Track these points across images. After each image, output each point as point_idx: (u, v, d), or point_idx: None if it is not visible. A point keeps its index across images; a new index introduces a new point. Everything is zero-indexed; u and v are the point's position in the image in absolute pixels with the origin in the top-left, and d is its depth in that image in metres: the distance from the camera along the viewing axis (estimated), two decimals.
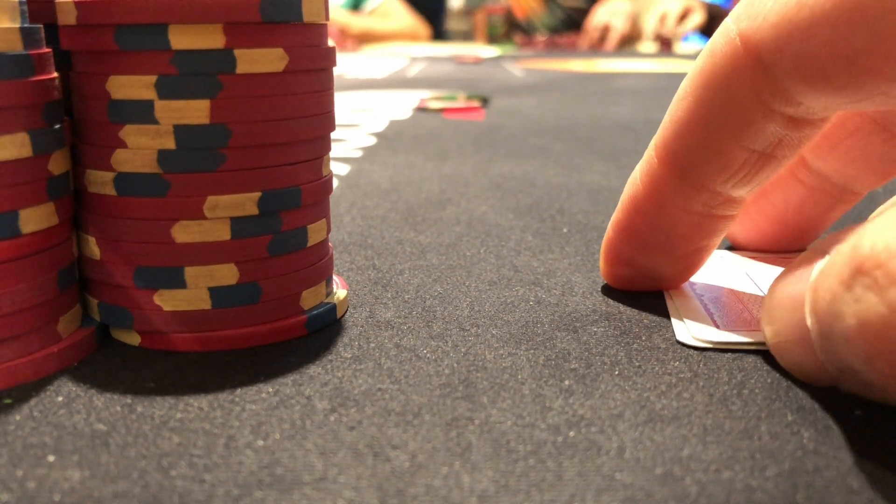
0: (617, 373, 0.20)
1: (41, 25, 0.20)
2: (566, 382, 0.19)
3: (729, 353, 0.21)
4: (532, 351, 0.21)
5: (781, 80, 0.19)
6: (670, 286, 0.25)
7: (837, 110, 0.20)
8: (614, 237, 0.24)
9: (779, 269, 0.27)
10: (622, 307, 0.24)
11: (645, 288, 0.25)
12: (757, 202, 0.28)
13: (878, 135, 0.25)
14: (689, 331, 0.22)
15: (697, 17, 1.95)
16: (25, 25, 0.19)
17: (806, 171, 0.27)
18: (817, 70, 0.18)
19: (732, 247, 0.29)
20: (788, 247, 0.29)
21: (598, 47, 2.00)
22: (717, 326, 0.22)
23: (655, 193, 0.22)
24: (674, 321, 0.22)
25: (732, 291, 0.25)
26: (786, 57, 0.19)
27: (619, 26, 2.00)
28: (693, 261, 0.24)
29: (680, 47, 1.96)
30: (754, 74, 0.19)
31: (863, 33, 0.17)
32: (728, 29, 0.20)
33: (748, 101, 0.20)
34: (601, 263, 0.25)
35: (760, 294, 0.24)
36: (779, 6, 0.19)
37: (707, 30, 1.97)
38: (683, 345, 0.21)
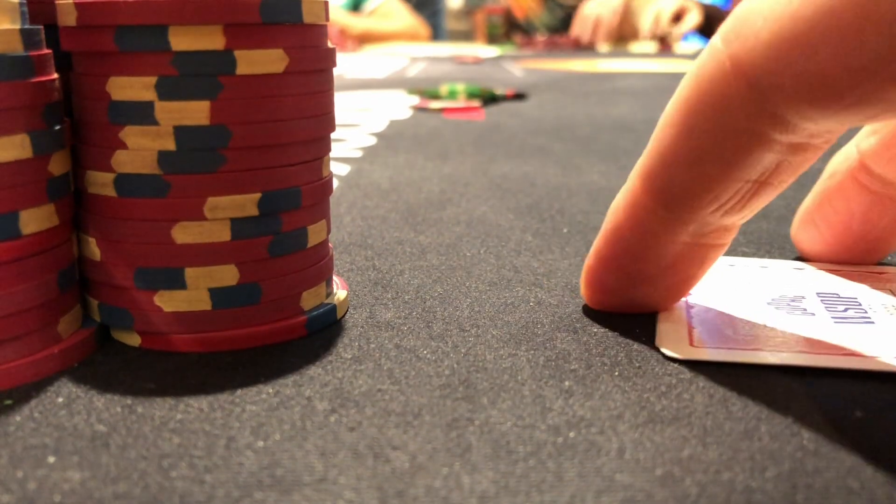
0: (617, 373, 0.20)
1: (41, 26, 0.20)
2: (566, 383, 0.19)
3: None
4: (532, 352, 0.21)
5: (781, 106, 0.17)
6: (656, 311, 0.23)
7: (846, 128, 0.18)
8: (596, 266, 0.23)
9: (785, 279, 0.26)
10: None
11: (630, 312, 0.23)
12: (820, 208, 0.26)
13: None
14: (660, 342, 0.21)
15: (694, 18, 1.95)
16: (26, 27, 0.19)
17: (868, 175, 0.24)
18: (826, 89, 0.16)
19: (802, 258, 0.28)
20: (861, 259, 0.26)
21: (587, 41, 2.01)
22: (692, 341, 0.21)
23: (639, 224, 0.21)
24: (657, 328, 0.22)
25: (725, 303, 0.24)
26: (786, 80, 0.17)
27: (607, 19, 2.00)
28: (679, 289, 0.22)
29: (679, 47, 1.97)
30: (747, 101, 0.17)
31: (879, 39, 0.15)
32: (716, 50, 0.18)
33: (742, 129, 0.18)
34: (582, 289, 0.23)
35: (759, 312, 0.23)
36: (771, 22, 0.17)
37: (705, 30, 1.97)
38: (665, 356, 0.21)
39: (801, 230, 0.28)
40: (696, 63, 0.19)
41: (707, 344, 0.21)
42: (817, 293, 0.25)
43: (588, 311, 0.24)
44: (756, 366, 0.20)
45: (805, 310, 0.23)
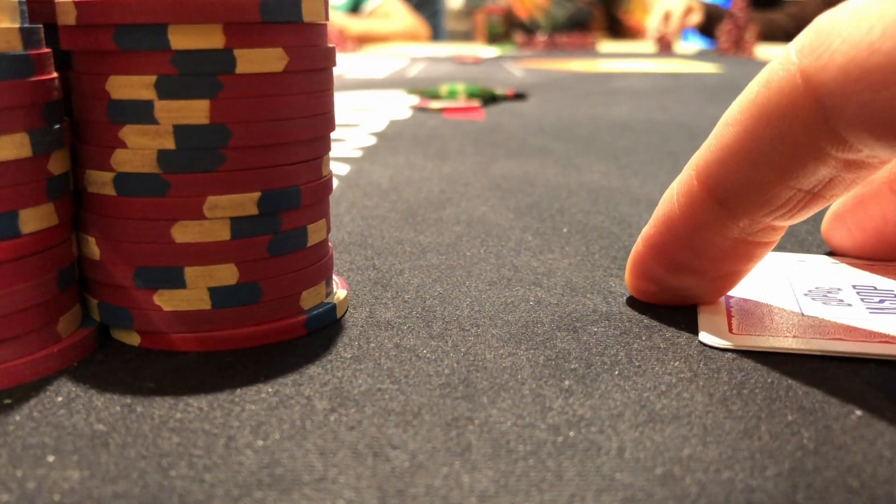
0: (617, 373, 0.20)
1: (41, 25, 0.20)
2: (566, 382, 0.19)
3: (729, 354, 0.21)
4: (532, 351, 0.21)
5: (843, 128, 0.17)
6: (698, 304, 0.24)
7: None
8: (644, 252, 0.23)
9: (821, 272, 0.26)
10: (622, 307, 0.24)
11: (671, 303, 0.24)
12: (854, 212, 0.26)
13: None
14: (700, 330, 0.22)
15: (696, 17, 1.95)
16: (25, 25, 0.19)
17: None
18: (888, 125, 0.16)
19: (832, 252, 0.29)
20: (890, 258, 0.27)
21: (661, 33, 2.00)
22: (731, 329, 0.22)
23: (691, 215, 0.21)
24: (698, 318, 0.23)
25: (763, 294, 0.24)
26: (851, 105, 0.17)
27: (678, 12, 1.99)
28: (724, 284, 0.23)
29: (679, 47, 1.97)
30: (811, 116, 0.18)
31: None
32: (788, 60, 0.18)
33: (801, 141, 0.18)
34: (627, 275, 0.24)
35: (795, 303, 0.24)
36: (848, 46, 0.17)
37: (705, 29, 1.97)
38: (704, 344, 0.21)
39: (833, 229, 0.28)
40: (767, 68, 0.19)
41: (747, 331, 0.22)
42: (853, 286, 0.25)
43: (588, 311, 0.24)
44: (758, 360, 0.20)
45: (841, 301, 0.24)
